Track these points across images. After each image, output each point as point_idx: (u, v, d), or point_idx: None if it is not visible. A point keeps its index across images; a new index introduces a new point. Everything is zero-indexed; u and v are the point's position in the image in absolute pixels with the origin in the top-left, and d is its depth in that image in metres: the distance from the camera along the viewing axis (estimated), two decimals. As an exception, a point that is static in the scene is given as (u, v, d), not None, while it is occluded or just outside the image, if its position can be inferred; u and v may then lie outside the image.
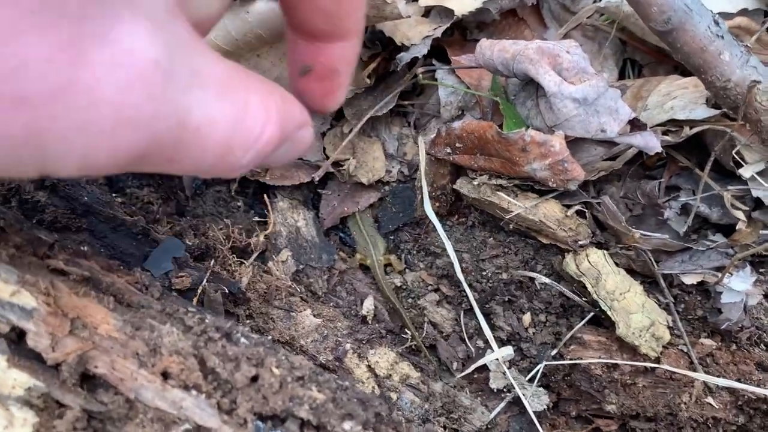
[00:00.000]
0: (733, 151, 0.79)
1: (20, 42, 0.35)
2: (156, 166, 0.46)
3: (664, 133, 0.82)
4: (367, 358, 0.84)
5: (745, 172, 0.79)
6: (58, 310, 0.57)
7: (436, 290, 0.93)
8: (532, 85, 0.82)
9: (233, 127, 0.49)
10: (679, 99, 0.82)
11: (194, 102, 0.46)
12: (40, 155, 0.39)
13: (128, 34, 0.39)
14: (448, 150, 0.87)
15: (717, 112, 0.80)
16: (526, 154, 0.78)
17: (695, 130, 0.80)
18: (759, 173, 0.79)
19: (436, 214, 0.91)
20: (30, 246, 0.60)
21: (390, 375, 0.84)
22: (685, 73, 0.90)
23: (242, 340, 0.61)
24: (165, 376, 0.57)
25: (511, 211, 0.83)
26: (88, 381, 0.57)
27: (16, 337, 0.57)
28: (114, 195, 0.81)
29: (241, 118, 0.49)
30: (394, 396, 0.83)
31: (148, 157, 0.44)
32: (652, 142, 0.77)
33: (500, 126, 0.81)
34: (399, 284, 0.93)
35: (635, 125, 0.78)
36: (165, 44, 0.42)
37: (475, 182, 0.85)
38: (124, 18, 0.39)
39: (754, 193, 0.79)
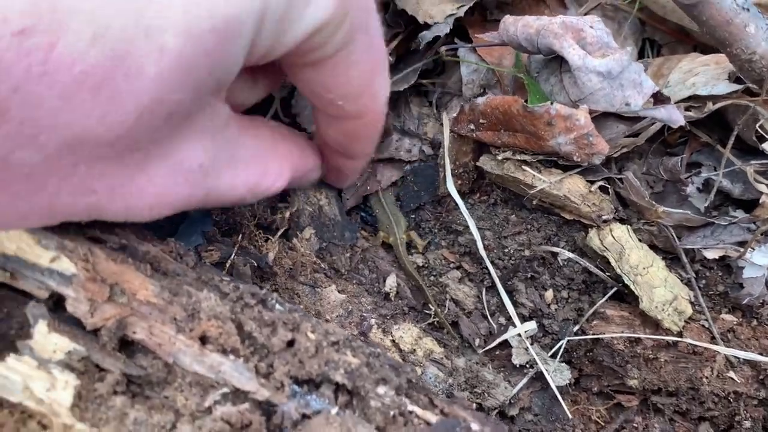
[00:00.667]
0: (757, 125, 0.79)
1: (100, 163, 0.45)
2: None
3: (687, 109, 0.82)
4: (391, 333, 0.85)
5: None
6: (96, 276, 0.57)
7: (458, 267, 0.94)
8: (555, 61, 0.82)
9: (249, 189, 0.64)
10: (701, 75, 0.83)
11: (223, 179, 0.59)
12: (94, 216, 0.51)
13: (185, 151, 0.52)
14: (472, 126, 0.87)
15: (739, 87, 0.81)
16: (551, 128, 0.78)
17: (718, 105, 0.81)
18: (782, 145, 0.80)
19: (458, 191, 0.92)
20: (68, 215, 0.61)
21: (414, 350, 0.85)
22: (705, 51, 0.91)
23: (277, 306, 0.61)
24: (203, 340, 0.58)
25: (536, 187, 0.84)
26: (127, 346, 0.58)
27: (55, 303, 0.58)
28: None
29: (258, 182, 0.64)
30: (418, 370, 0.84)
31: (178, 210, 0.57)
32: (675, 116, 0.78)
33: (525, 101, 0.81)
34: (421, 263, 0.94)
35: (658, 99, 0.78)
36: (214, 150, 0.55)
37: (499, 157, 0.85)
38: (189, 139, 0.51)
39: (779, 167, 0.80)
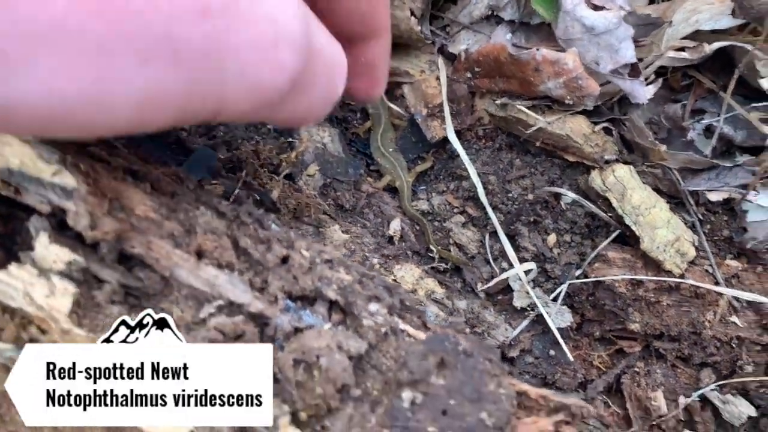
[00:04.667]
0: (757, 67, 0.78)
1: None
2: (295, 98, 0.50)
3: (682, 49, 0.81)
4: (393, 272, 0.86)
5: (766, 83, 0.78)
6: (97, 191, 0.59)
7: (462, 212, 0.94)
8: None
9: (332, 53, 0.55)
10: (704, 13, 0.82)
11: (314, 31, 0.51)
12: (218, 72, 0.42)
13: None
14: (469, 75, 0.88)
15: (742, 21, 0.80)
16: (539, 74, 0.79)
17: (715, 45, 0.80)
18: (785, 85, 0.78)
19: (459, 134, 0.92)
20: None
21: (415, 290, 0.86)
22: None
23: (273, 226, 0.62)
24: (199, 255, 0.59)
25: (536, 126, 0.84)
26: (126, 260, 0.60)
27: (59, 223, 0.60)
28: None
29: (335, 47, 0.56)
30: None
31: (298, 85, 0.48)
32: (638, 92, 0.79)
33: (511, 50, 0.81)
34: (426, 208, 0.95)
35: (634, 71, 0.79)
36: None
37: (497, 102, 0.86)
38: None
39: (778, 106, 0.79)
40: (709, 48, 0.80)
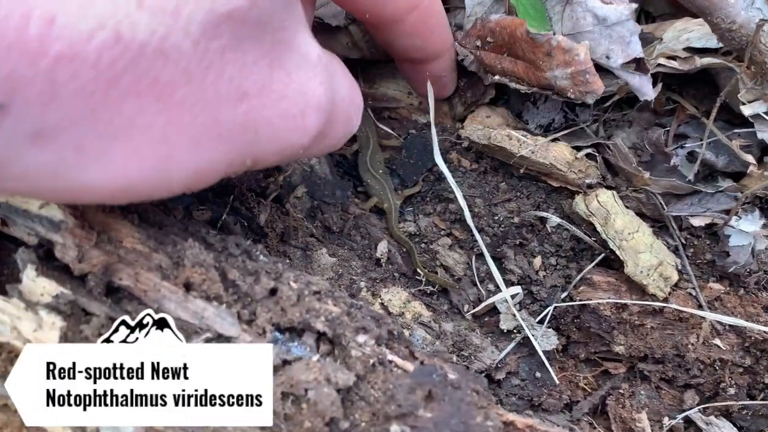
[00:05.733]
0: (739, 95, 0.79)
1: (241, 49, 0.45)
2: (318, 144, 0.59)
3: (672, 58, 0.82)
4: (380, 296, 0.86)
5: (746, 110, 0.79)
6: (84, 223, 0.59)
7: (449, 235, 0.95)
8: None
9: (351, 97, 0.64)
10: (695, 32, 0.82)
11: (336, 83, 0.59)
12: (253, 141, 0.49)
13: (303, 43, 0.52)
14: (478, 43, 0.87)
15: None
16: (550, 59, 0.78)
17: (705, 60, 0.81)
18: (766, 113, 0.80)
19: (448, 160, 0.93)
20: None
21: (402, 313, 0.86)
22: (699, 19, 0.91)
23: (261, 257, 0.63)
24: (187, 287, 0.59)
25: (520, 153, 0.84)
26: (114, 293, 0.60)
27: (45, 250, 0.60)
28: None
29: (354, 89, 0.65)
30: (406, 332, 0.85)
31: (321, 135, 0.57)
32: (646, 88, 0.79)
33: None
34: (413, 230, 0.95)
35: (640, 67, 0.79)
36: (318, 46, 0.55)
37: (495, 78, 0.86)
38: (300, 30, 0.52)
39: (759, 135, 0.80)
40: (699, 62, 0.81)
